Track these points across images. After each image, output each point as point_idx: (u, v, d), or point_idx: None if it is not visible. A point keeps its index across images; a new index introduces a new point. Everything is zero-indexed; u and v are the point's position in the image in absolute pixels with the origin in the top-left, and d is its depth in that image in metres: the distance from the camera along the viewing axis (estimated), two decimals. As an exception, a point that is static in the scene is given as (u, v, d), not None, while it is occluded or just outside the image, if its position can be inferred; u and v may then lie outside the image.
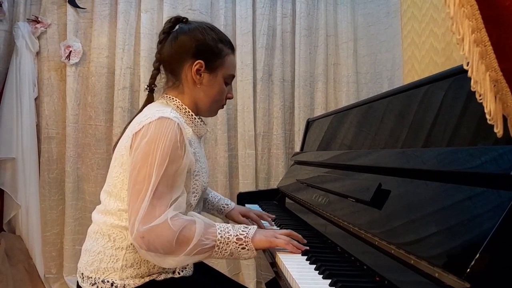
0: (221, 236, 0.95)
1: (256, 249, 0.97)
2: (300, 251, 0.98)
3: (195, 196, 1.06)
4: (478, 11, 0.43)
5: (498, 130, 0.46)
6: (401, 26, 2.39)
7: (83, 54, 2.43)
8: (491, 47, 0.43)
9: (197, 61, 1.07)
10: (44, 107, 2.43)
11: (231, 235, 0.96)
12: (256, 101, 2.52)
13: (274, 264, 1.00)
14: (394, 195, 0.85)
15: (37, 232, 2.35)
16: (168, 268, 1.01)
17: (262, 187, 2.50)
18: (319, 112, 2.49)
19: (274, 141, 2.54)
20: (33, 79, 2.37)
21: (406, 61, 2.34)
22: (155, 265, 0.99)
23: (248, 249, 0.96)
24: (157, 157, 0.93)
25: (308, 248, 1.00)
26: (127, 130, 1.04)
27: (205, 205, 1.37)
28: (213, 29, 1.13)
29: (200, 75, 1.08)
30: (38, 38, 2.40)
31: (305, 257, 0.96)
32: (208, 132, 2.51)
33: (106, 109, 2.44)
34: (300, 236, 1.04)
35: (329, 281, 0.79)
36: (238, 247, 0.95)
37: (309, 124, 2.06)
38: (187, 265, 1.05)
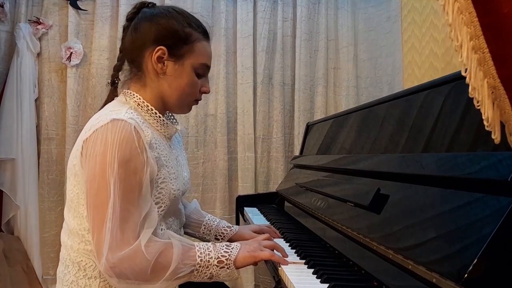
0: (201, 260, 0.87)
1: (239, 267, 0.90)
2: (286, 262, 0.93)
3: (160, 207, 0.93)
4: (477, 18, 0.43)
5: (496, 137, 0.47)
6: (402, 31, 2.40)
7: (84, 56, 2.43)
8: (489, 54, 0.44)
9: (158, 48, 0.94)
10: (44, 108, 2.43)
11: (211, 257, 0.88)
12: (256, 104, 2.53)
13: (272, 268, 0.99)
14: (393, 200, 0.85)
15: (36, 233, 2.34)
16: None
17: (261, 190, 2.50)
18: (319, 116, 2.49)
19: (273, 145, 2.54)
20: (33, 80, 2.38)
21: (406, 66, 2.35)
22: None
23: (229, 272, 0.89)
24: (115, 169, 0.82)
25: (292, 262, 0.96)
26: (79, 136, 0.93)
27: (197, 229, 1.22)
28: (180, 12, 0.99)
29: (163, 63, 0.95)
30: (39, 39, 2.40)
31: (304, 261, 0.96)
32: (207, 134, 2.51)
33: (106, 110, 2.44)
34: (283, 249, 0.98)
35: (327, 285, 0.79)
36: (219, 270, 0.88)
37: (308, 127, 2.06)
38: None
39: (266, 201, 1.89)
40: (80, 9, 2.43)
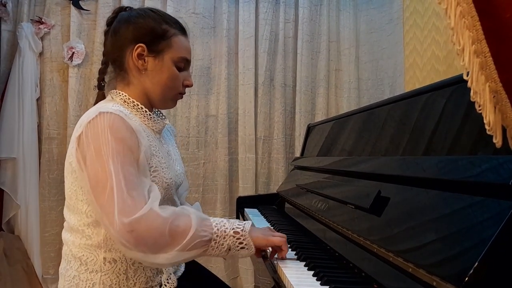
0: (218, 229, 0.87)
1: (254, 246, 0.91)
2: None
3: None
4: (479, 22, 0.43)
5: (497, 141, 0.47)
6: (403, 33, 2.40)
7: (86, 56, 2.44)
8: (491, 58, 0.44)
9: (137, 45, 0.98)
10: (45, 108, 2.43)
11: (227, 228, 0.88)
12: (257, 106, 2.53)
13: (272, 270, 0.99)
14: (393, 202, 0.85)
15: (36, 233, 2.35)
16: (152, 282, 0.96)
17: (261, 191, 2.50)
18: (320, 117, 2.49)
19: (274, 146, 2.54)
20: (35, 80, 2.38)
21: (407, 68, 2.35)
22: (135, 282, 0.93)
23: (245, 244, 0.89)
24: (111, 146, 0.84)
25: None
26: (72, 135, 0.96)
27: None
28: (156, 11, 1.04)
29: (144, 60, 0.99)
30: (41, 39, 2.41)
31: (304, 263, 0.96)
32: (208, 135, 2.51)
33: (107, 110, 2.44)
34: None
35: (327, 287, 0.79)
36: (236, 242, 0.88)
37: (309, 129, 2.06)
38: (170, 276, 0.97)
39: (266, 202, 1.89)
40: (82, 9, 2.43)
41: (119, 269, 0.93)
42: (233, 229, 0.89)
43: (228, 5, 2.51)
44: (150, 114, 1.02)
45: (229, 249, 0.88)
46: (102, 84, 1.06)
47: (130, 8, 1.08)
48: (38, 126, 2.42)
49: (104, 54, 1.06)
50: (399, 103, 1.14)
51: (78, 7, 2.42)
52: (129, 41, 0.99)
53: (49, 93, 2.44)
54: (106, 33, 1.06)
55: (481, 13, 0.44)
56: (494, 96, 0.45)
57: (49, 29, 2.42)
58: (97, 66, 2.41)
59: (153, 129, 1.02)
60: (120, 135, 0.87)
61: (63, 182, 2.76)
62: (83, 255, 0.93)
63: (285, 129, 2.55)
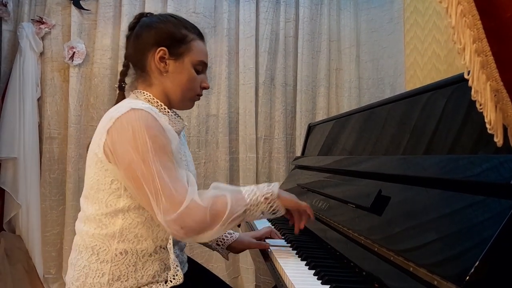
0: (250, 199, 0.95)
1: (284, 205, 0.99)
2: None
3: None
4: (480, 21, 0.43)
5: (498, 140, 0.47)
6: (404, 32, 2.40)
7: (87, 55, 2.44)
8: (492, 57, 0.44)
9: (159, 49, 1.03)
10: (46, 108, 2.43)
11: (258, 196, 0.96)
12: (258, 105, 2.53)
13: (273, 269, 1.00)
14: (394, 202, 0.85)
15: (37, 232, 2.35)
16: (158, 277, 0.98)
17: (262, 191, 2.50)
18: (320, 116, 2.49)
19: (275, 145, 2.54)
20: (36, 80, 2.38)
21: (408, 67, 2.35)
22: (143, 275, 0.96)
23: (276, 206, 0.97)
24: (148, 144, 0.89)
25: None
26: (99, 128, 0.99)
27: None
28: (175, 17, 1.10)
29: (165, 63, 1.04)
30: (42, 38, 2.41)
31: (304, 262, 0.96)
32: (209, 134, 2.51)
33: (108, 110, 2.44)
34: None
35: (328, 286, 0.79)
36: (267, 206, 0.96)
37: (310, 128, 2.06)
38: (177, 272, 1.00)
39: (267, 201, 1.88)
40: (83, 8, 2.43)
41: (129, 260, 0.95)
42: (263, 195, 0.96)
43: (229, 5, 2.50)
44: (171, 115, 1.06)
45: (263, 213, 0.97)
46: (123, 85, 1.11)
47: (151, 14, 1.13)
48: (39, 126, 2.42)
49: (126, 57, 1.11)
50: (399, 102, 1.14)
51: (79, 6, 2.42)
52: (151, 45, 1.04)
53: (50, 93, 2.44)
54: (128, 37, 1.11)
55: (481, 12, 0.44)
56: (495, 95, 0.45)
57: (50, 29, 2.42)
58: (97, 65, 2.42)
59: (174, 130, 1.05)
60: (154, 133, 0.91)
61: (64, 182, 2.75)
62: (96, 245, 0.96)
63: (285, 129, 2.55)
